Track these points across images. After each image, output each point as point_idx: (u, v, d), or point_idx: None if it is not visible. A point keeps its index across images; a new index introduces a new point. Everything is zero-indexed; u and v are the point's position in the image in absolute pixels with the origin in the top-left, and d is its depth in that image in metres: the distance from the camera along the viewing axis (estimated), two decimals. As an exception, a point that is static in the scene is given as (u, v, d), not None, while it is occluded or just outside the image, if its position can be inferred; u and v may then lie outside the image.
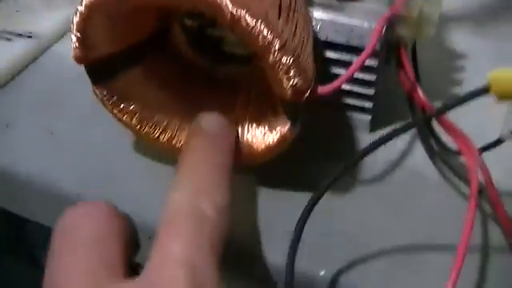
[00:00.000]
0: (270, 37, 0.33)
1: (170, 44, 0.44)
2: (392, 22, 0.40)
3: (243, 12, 0.33)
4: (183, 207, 0.31)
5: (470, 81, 0.48)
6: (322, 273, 0.38)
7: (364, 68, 0.41)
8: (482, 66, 0.49)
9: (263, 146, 0.39)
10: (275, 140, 0.38)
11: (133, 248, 0.34)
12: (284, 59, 0.34)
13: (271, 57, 0.34)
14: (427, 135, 0.42)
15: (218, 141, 0.37)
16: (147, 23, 0.41)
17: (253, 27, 0.33)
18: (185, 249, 0.29)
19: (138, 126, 0.41)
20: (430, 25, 0.42)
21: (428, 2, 0.42)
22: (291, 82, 0.34)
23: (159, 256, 0.29)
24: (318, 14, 0.40)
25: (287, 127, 0.37)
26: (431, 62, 0.47)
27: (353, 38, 0.40)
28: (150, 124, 0.41)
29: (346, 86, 0.43)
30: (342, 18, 0.40)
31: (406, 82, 0.42)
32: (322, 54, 0.41)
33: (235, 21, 0.33)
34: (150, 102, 0.41)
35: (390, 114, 0.46)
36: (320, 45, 0.41)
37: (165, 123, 0.41)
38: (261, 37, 0.33)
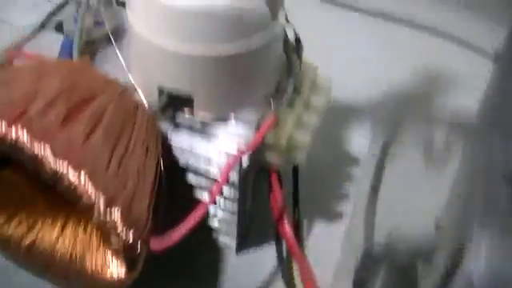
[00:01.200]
0: (94, 195, 0.31)
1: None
2: (258, 150, 0.38)
3: (65, 168, 0.31)
4: None
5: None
6: None
7: (225, 196, 0.39)
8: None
9: (105, 283, 0.36)
10: (114, 280, 0.36)
11: None
12: (110, 216, 0.31)
13: (96, 214, 0.31)
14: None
15: None
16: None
17: (76, 185, 0.31)
18: None
19: None
20: (300, 151, 0.39)
21: (299, 128, 0.39)
22: (120, 237, 0.32)
23: None
24: (177, 139, 0.38)
25: (123, 272, 0.35)
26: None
27: (212, 168, 0.37)
28: None
29: (210, 209, 0.40)
30: (200, 148, 0.37)
31: (276, 208, 0.40)
32: (182, 178, 0.39)
33: (58, 178, 0.31)
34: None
35: (259, 237, 0.44)
36: (181, 169, 0.39)
37: None
38: (85, 196, 0.31)
